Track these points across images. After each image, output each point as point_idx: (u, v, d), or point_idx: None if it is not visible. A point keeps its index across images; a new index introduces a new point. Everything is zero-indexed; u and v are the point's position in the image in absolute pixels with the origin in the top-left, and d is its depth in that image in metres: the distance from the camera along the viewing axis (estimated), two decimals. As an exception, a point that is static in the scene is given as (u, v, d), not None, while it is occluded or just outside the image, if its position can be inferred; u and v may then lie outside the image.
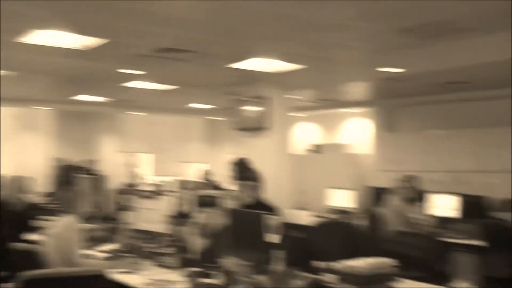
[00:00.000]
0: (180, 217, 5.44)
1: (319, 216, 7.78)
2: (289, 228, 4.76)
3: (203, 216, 4.72)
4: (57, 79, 9.46)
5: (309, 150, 12.75)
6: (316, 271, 3.85)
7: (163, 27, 5.62)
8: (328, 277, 3.78)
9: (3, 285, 5.00)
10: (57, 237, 4.52)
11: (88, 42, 6.18)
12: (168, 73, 8.40)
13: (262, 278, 3.69)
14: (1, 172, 8.38)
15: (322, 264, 3.89)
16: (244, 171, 8.27)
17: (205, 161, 14.99)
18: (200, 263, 4.08)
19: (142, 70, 8.20)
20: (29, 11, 5.09)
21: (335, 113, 12.74)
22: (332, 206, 8.59)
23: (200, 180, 11.80)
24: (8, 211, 5.85)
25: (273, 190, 7.64)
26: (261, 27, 5.60)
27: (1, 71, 8.34)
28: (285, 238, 3.87)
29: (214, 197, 6.18)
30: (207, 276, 3.86)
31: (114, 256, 4.86)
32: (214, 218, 4.61)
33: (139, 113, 14.34)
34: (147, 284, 3.93)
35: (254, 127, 8.97)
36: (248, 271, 3.76)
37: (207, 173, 12.63)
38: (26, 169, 11.30)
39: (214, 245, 4.26)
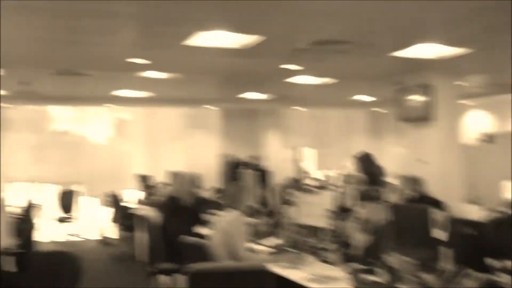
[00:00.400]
0: (343, 212, 5.34)
1: (493, 211, 7.23)
2: (459, 223, 4.45)
3: (365, 211, 4.58)
4: (222, 78, 9.82)
5: (481, 140, 11.94)
6: (490, 270, 3.55)
7: (320, 20, 5.54)
8: (504, 278, 3.46)
9: (172, 276, 5.28)
10: (223, 231, 4.65)
11: (248, 40, 6.30)
12: (328, 66, 8.32)
13: (429, 277, 3.47)
14: (174, 169, 8.85)
15: (497, 263, 3.58)
16: (368, 165, 7.99)
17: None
18: (363, 259, 3.96)
19: (302, 65, 8.20)
20: (194, 15, 5.29)
21: (509, 98, 11.80)
22: (508, 200, 7.95)
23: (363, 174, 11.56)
24: (180, 206, 6.14)
25: (441, 183, 7.25)
26: (425, 12, 5.29)
27: (170, 74, 8.85)
28: (454, 234, 3.62)
29: (377, 191, 5.99)
30: (370, 273, 3.72)
31: (278, 250, 4.90)
32: (377, 213, 4.45)
33: (302, 108, 14.45)
34: (310, 279, 3.89)
35: (420, 117, 8.59)
36: (414, 268, 3.57)
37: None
38: (196, 165, 11.91)
39: (377, 241, 4.11)
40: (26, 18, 5.29)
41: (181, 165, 11.81)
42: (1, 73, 8.23)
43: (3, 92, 10.30)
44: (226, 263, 4.37)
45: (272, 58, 7.64)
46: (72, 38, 6.21)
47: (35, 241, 7.64)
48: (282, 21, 5.58)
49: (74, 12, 5.14)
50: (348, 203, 6.05)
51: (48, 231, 11.20)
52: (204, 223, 6.36)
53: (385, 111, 14.37)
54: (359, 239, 4.33)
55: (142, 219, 7.18)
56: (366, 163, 8.07)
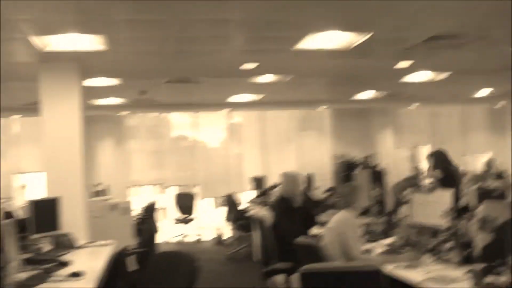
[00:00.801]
0: (461, 211, 5.12)
1: None
2: None
3: (485, 209, 4.36)
4: (333, 79, 9.76)
5: None
6: None
7: (434, 14, 5.36)
8: None
9: (287, 276, 5.31)
10: (336, 231, 4.62)
11: (358, 40, 6.22)
12: (442, 61, 8.03)
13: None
14: (286, 170, 8.92)
15: None
16: (442, 163, 7.52)
17: (488, 151, 14.02)
18: (483, 259, 3.77)
19: (415, 61, 7.97)
20: (303, 18, 5.32)
21: None
22: None
23: (483, 171, 11.03)
24: (291, 206, 6.17)
25: None
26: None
27: (282, 77, 8.91)
28: None
29: (497, 189, 5.70)
30: (492, 273, 3.54)
31: (393, 250, 4.80)
32: (497, 211, 4.23)
33: (416, 106, 14.04)
34: (427, 280, 3.76)
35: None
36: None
37: (490, 163, 11.76)
38: (310, 166, 11.93)
39: (499, 241, 3.90)
40: (142, 31, 5.56)
41: (294, 167, 11.87)
42: (121, 83, 8.69)
43: (123, 101, 10.89)
44: (339, 263, 4.33)
45: (384, 56, 7.49)
46: (185, 47, 6.45)
47: (155, 241, 7.98)
48: (394, 18, 5.47)
49: (185, 23, 5.34)
50: (468, 201, 5.80)
51: (168, 232, 11.69)
52: (316, 223, 6.35)
53: (506, 106, 13.61)
54: (480, 238, 4.14)
55: (256, 219, 7.29)
56: (441, 160, 7.67)
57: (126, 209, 8.42)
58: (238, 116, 14.13)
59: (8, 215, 4.83)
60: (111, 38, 5.70)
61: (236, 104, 11.93)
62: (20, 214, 5.40)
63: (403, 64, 8.04)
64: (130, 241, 7.39)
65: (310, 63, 7.75)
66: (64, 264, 4.51)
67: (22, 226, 4.53)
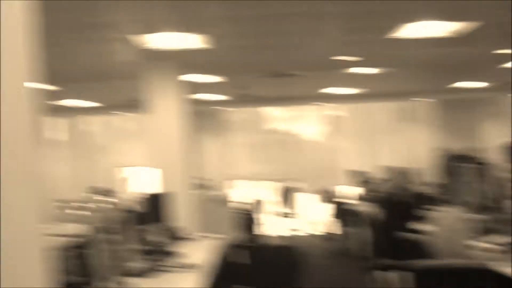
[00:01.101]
0: None
1: None
2: None
3: None
4: (432, 69, 9.50)
5: None
6: None
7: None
8: None
9: (392, 272, 5.26)
10: (444, 228, 4.54)
11: (458, 28, 6.02)
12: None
13: None
14: (389, 163, 8.80)
15: None
16: None
17: None
18: None
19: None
20: (399, 6, 5.22)
21: None
22: None
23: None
24: (397, 201, 6.09)
25: None
26: None
27: (378, 68, 8.77)
28: None
29: None
30: None
31: (505, 249, 4.62)
32: None
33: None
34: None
35: None
36: None
37: None
38: (410, 160, 11.66)
39: None
40: (239, 27, 5.68)
41: (396, 160, 11.64)
42: (221, 79, 8.91)
43: (223, 96, 11.15)
44: (448, 260, 4.25)
45: (486, 44, 7.19)
46: (279, 41, 6.51)
47: (259, 235, 8.14)
48: (499, 3, 5.23)
49: (279, 17, 5.39)
50: None
51: (270, 226, 11.86)
52: (422, 219, 6.22)
53: None
54: None
55: (359, 214, 7.26)
56: None
57: (228, 202, 8.63)
58: (339, 109, 14.06)
59: (124, 208, 5.09)
60: (209, 35, 5.84)
61: (334, 96, 11.88)
62: (134, 206, 5.67)
63: (509, 51, 7.69)
64: (233, 234, 7.59)
65: (409, 53, 7.59)
66: (176, 255, 4.71)
67: (137, 218, 4.76)
